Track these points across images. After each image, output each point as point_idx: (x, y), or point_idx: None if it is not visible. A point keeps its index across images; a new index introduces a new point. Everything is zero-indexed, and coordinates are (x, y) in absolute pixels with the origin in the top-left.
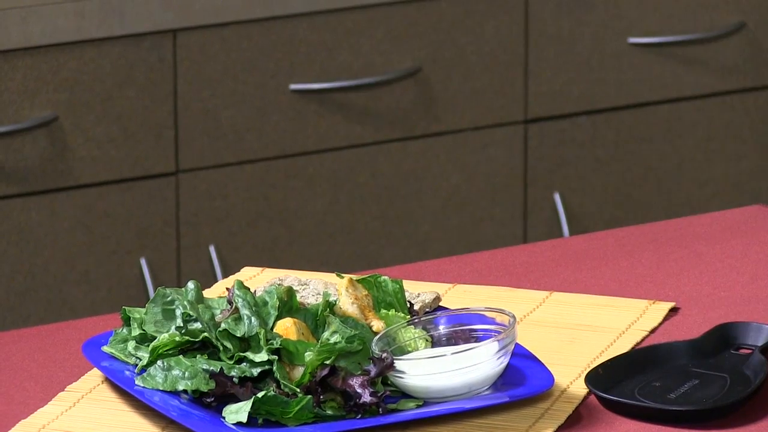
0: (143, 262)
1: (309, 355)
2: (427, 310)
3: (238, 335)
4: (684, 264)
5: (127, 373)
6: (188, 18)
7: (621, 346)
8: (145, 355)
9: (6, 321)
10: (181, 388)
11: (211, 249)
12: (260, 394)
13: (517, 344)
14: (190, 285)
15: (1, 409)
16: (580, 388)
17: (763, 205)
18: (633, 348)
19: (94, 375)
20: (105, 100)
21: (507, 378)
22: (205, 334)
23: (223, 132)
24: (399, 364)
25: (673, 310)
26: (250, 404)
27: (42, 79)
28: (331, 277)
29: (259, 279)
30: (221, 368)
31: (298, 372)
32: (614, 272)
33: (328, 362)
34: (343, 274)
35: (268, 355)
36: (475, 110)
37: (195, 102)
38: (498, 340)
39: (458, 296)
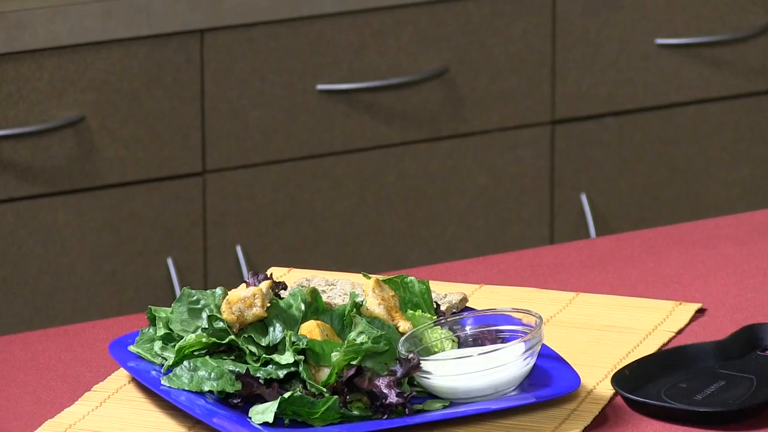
0: (170, 262)
1: (335, 356)
2: (454, 310)
3: (263, 344)
4: (711, 265)
5: (154, 373)
6: (216, 18)
7: (647, 347)
8: (171, 355)
9: (33, 320)
10: (207, 388)
11: (238, 249)
12: (287, 395)
13: (543, 345)
14: (218, 291)
15: (28, 408)
16: (606, 389)
17: None
18: (659, 349)
19: (121, 375)
20: (132, 100)
21: (533, 379)
22: (232, 337)
23: (250, 132)
24: (425, 364)
25: (700, 312)
26: (277, 404)
27: (69, 79)
28: (358, 278)
29: (286, 279)
30: (247, 369)
31: (324, 373)
32: (641, 273)
33: (354, 363)
34: (369, 275)
35: (294, 356)
36: (502, 111)
37: (222, 102)
38: (524, 341)
39: (485, 297)
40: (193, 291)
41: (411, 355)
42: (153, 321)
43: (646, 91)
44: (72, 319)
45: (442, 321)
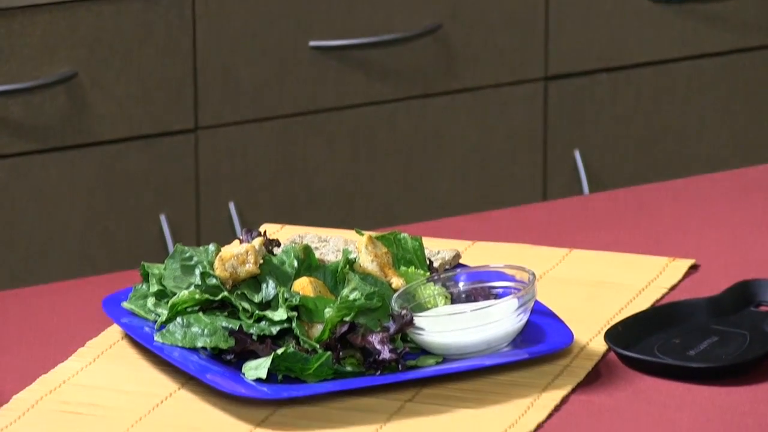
0: (163, 218)
1: (328, 312)
2: (447, 267)
3: (256, 301)
4: (704, 221)
5: (147, 329)
6: None
7: (640, 304)
8: (164, 312)
9: (26, 277)
10: (200, 345)
11: (231, 206)
12: (280, 351)
13: (536, 301)
14: (211, 247)
15: (21, 364)
16: (599, 345)
17: None
18: (653, 305)
19: (114, 331)
20: (124, 56)
21: (526, 335)
22: (225, 294)
23: (242, 89)
24: (418, 320)
25: (693, 268)
26: (270, 361)
27: (61, 35)
28: (350, 235)
29: (279, 236)
30: (240, 326)
31: (317, 330)
32: (634, 229)
33: (347, 319)
34: (362, 232)
35: (287, 312)
36: (495, 67)
37: (214, 59)
38: (517, 297)
39: (478, 253)
40: (186, 247)
41: (404, 312)
42: (146, 277)
43: (639, 47)
44: (65, 276)
45: (435, 277)
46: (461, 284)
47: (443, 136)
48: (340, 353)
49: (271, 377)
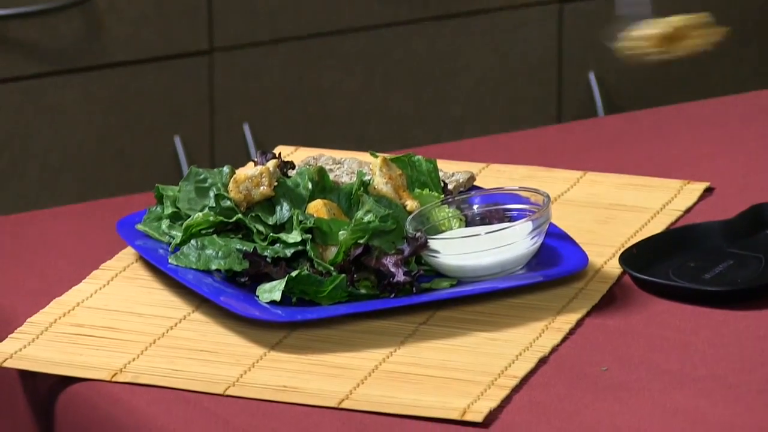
0: (177, 140)
1: (343, 235)
2: (461, 189)
3: (270, 223)
4: (719, 144)
5: (161, 251)
6: None
7: (655, 226)
8: (178, 234)
9: (41, 200)
10: (214, 267)
11: (245, 128)
12: (294, 273)
13: (551, 224)
14: (225, 169)
15: (36, 286)
16: (614, 268)
17: None
18: (668, 228)
19: (128, 253)
20: None
21: (541, 258)
22: (239, 216)
23: (257, 10)
24: (433, 243)
25: (708, 191)
26: (284, 283)
27: None
28: (365, 157)
29: (293, 158)
30: (254, 248)
31: (331, 252)
32: (649, 152)
33: (362, 241)
34: (377, 154)
35: (301, 235)
36: None
37: None
38: (532, 220)
39: (492, 176)
40: (201, 169)
41: (418, 234)
42: (160, 199)
43: None
44: (79, 198)
45: (450, 200)
46: (476, 207)
47: (458, 58)
48: (355, 276)
49: (285, 300)
